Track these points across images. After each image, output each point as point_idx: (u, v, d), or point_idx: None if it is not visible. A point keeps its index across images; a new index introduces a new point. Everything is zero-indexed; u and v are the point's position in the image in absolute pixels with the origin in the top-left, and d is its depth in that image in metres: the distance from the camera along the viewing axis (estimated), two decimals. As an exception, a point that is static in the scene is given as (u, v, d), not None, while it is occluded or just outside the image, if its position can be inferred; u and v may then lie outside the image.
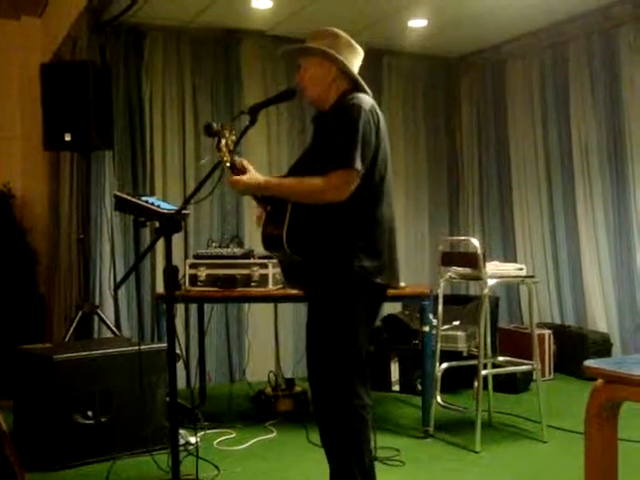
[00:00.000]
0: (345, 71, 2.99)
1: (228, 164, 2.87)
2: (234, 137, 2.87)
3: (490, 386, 4.80)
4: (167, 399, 4.04)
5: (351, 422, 2.86)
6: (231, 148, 2.86)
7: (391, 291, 3.05)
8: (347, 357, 2.87)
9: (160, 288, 5.66)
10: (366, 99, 2.91)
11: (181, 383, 4.73)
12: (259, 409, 4.99)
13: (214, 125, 2.87)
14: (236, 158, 2.92)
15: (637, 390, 1.74)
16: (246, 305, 5.88)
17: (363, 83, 3.02)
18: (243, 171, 2.92)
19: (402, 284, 3.34)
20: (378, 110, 2.94)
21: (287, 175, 3.05)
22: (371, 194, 2.88)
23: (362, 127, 2.81)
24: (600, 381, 1.84)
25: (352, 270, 2.83)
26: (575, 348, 5.90)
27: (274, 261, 4.65)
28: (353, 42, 3.05)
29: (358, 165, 2.77)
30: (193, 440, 4.12)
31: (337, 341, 2.86)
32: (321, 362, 2.90)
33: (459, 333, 5.40)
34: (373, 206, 2.89)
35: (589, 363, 1.87)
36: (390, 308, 5.80)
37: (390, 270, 2.95)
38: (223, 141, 2.84)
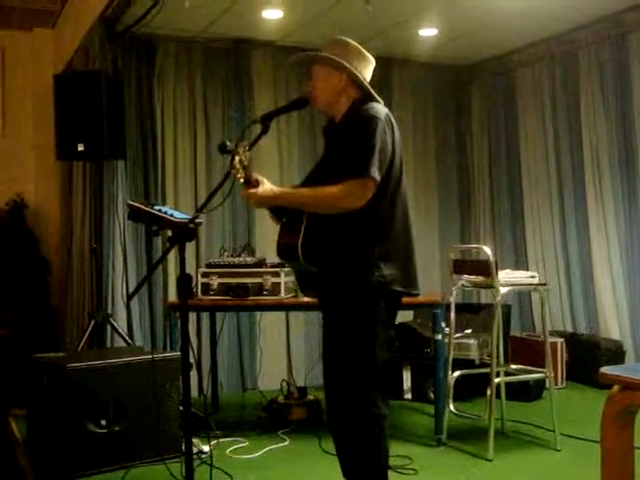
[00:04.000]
0: (355, 80, 3.00)
1: (242, 180, 2.87)
2: (248, 154, 2.87)
3: (503, 394, 4.78)
4: (180, 408, 4.06)
5: (369, 431, 2.85)
6: (245, 164, 2.86)
7: (403, 299, 3.02)
8: (366, 366, 2.86)
9: (172, 297, 5.70)
10: (381, 108, 2.92)
11: (193, 392, 4.76)
12: (272, 418, 4.99)
13: (228, 143, 2.89)
14: (251, 173, 2.92)
15: (654, 397, 1.74)
16: (258, 313, 5.89)
17: (373, 92, 3.02)
18: (257, 185, 2.90)
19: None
20: (392, 119, 2.94)
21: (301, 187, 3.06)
22: (388, 202, 2.88)
23: (379, 137, 2.81)
24: (616, 388, 1.84)
25: (371, 278, 2.82)
26: (587, 356, 5.88)
27: (286, 269, 4.67)
28: (363, 51, 3.05)
29: (375, 174, 2.77)
30: (206, 449, 4.13)
31: (356, 350, 2.85)
32: (340, 371, 2.89)
33: (471, 341, 5.40)
34: (389, 214, 2.89)
35: (605, 370, 1.87)
36: (402, 316, 5.79)
37: (408, 277, 2.94)
38: (237, 158, 2.84)
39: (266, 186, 2.91)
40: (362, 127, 2.85)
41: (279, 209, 3.02)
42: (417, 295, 3.02)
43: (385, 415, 2.91)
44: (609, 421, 1.85)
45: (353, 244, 2.85)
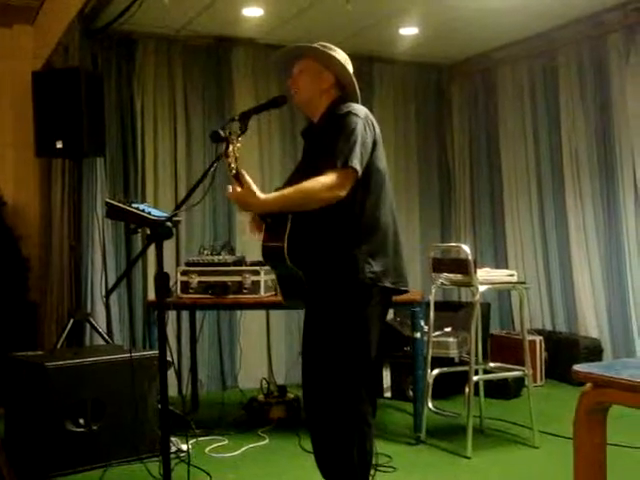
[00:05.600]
0: (340, 81, 3.01)
1: (234, 171, 2.80)
2: (239, 145, 2.82)
3: (481, 392, 4.81)
4: (159, 406, 4.05)
5: (358, 431, 2.86)
6: (237, 155, 2.80)
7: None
8: (358, 365, 2.86)
9: (151, 295, 5.67)
10: (360, 107, 2.93)
11: (173, 390, 4.75)
12: (251, 416, 4.99)
13: (221, 132, 2.81)
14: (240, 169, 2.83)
15: (625, 394, 1.75)
16: (238, 312, 5.89)
17: (359, 93, 3.03)
18: (241, 184, 2.80)
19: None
20: (372, 117, 2.96)
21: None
22: (372, 199, 2.89)
23: (359, 131, 2.82)
24: (589, 385, 1.86)
25: (362, 274, 2.81)
26: (566, 354, 5.92)
27: (266, 268, 4.66)
28: (347, 58, 3.06)
29: (355, 164, 2.76)
30: (185, 447, 4.11)
31: (349, 349, 2.84)
32: (329, 371, 2.86)
33: (450, 339, 5.42)
34: (376, 210, 2.89)
35: (578, 367, 1.88)
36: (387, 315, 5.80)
37: (397, 273, 2.94)
38: (231, 147, 2.79)
39: (252, 191, 2.79)
40: (341, 123, 2.84)
41: None
42: (406, 292, 3.02)
43: (371, 414, 2.92)
44: (582, 418, 1.86)
45: (341, 242, 2.84)
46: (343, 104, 2.95)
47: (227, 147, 2.78)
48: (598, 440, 1.86)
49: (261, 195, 2.81)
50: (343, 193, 2.77)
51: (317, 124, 3.04)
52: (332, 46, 3.07)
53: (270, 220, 2.95)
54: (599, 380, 1.82)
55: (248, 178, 2.81)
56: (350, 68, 3.06)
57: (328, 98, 3.02)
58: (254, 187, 2.81)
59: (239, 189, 2.81)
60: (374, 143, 2.91)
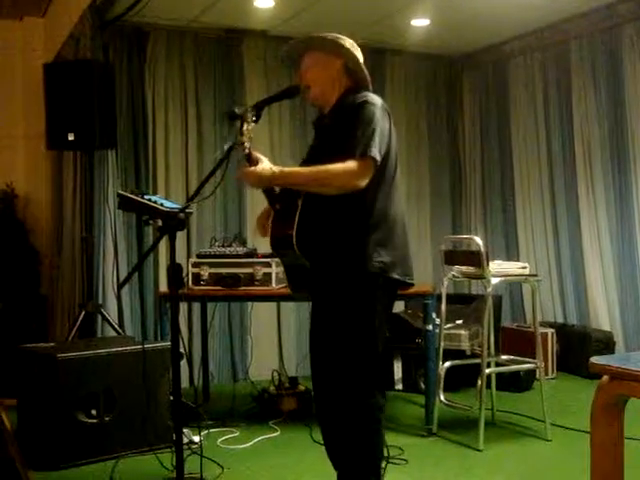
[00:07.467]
0: (350, 68, 2.98)
1: (247, 151, 2.81)
2: (254, 124, 2.83)
3: (493, 385, 4.80)
4: (171, 398, 4.06)
5: (367, 423, 2.85)
6: (251, 135, 2.81)
7: (395, 289, 3.01)
8: (366, 357, 2.84)
9: (163, 287, 5.68)
10: (376, 97, 2.91)
11: (184, 382, 4.75)
12: (262, 408, 4.99)
13: (237, 109, 2.83)
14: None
15: (643, 386, 1.74)
16: (249, 304, 5.88)
17: (369, 80, 3.01)
18: (256, 164, 2.84)
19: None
20: (388, 109, 2.94)
21: None
22: (384, 189, 2.87)
23: (378, 122, 2.81)
24: (606, 378, 1.84)
25: (371, 265, 2.79)
26: (578, 346, 5.90)
27: (277, 260, 4.66)
28: (355, 44, 3.04)
29: (375, 153, 2.75)
30: (197, 439, 4.12)
31: (356, 341, 2.83)
32: (337, 363, 2.86)
33: (462, 332, 5.41)
34: (386, 201, 2.87)
35: (595, 359, 1.86)
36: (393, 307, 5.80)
37: (405, 265, 2.92)
38: (246, 125, 2.79)
39: (265, 164, 2.85)
40: (359, 112, 2.83)
41: (273, 194, 2.98)
42: (412, 285, 3.00)
43: (382, 406, 2.91)
44: (599, 411, 1.85)
45: (350, 231, 2.82)
46: (357, 93, 2.92)
47: (242, 125, 2.79)
48: (615, 433, 1.85)
49: (275, 168, 2.85)
50: (363, 183, 2.76)
51: (328, 114, 3.02)
52: (337, 34, 3.04)
53: (279, 207, 2.95)
54: (616, 372, 1.80)
55: (261, 156, 2.86)
56: (358, 54, 3.01)
57: (340, 87, 2.99)
58: (267, 162, 2.86)
59: (250, 168, 2.84)
60: (389, 134, 2.89)
